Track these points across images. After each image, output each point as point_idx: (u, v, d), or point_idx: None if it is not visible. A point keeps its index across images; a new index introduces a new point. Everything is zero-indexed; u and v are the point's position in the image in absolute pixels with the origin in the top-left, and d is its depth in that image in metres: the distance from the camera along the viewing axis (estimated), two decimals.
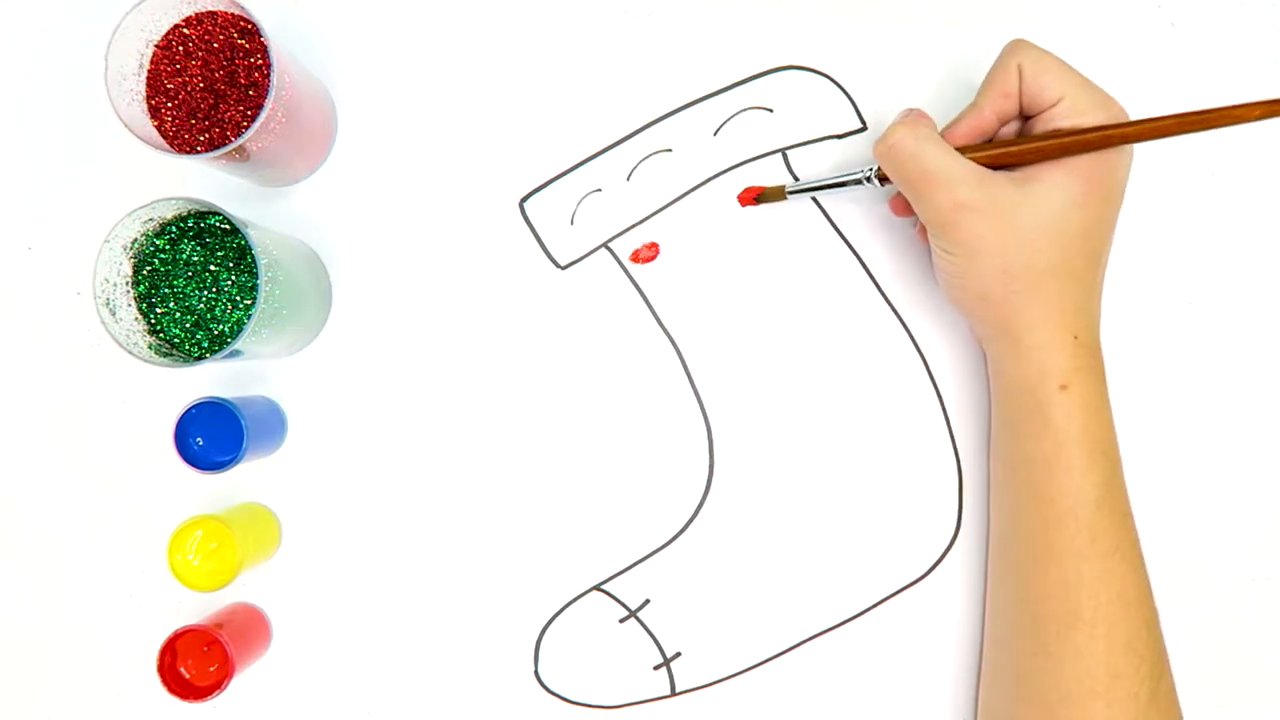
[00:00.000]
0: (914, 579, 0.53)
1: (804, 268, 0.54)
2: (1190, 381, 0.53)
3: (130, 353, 0.45)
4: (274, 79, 0.45)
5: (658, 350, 0.54)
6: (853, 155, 0.54)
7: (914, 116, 0.48)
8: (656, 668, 0.53)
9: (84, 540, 0.55)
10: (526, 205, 0.54)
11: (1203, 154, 0.54)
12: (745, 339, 0.54)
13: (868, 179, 0.50)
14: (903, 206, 0.52)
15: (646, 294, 0.54)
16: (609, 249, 0.54)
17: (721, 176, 0.54)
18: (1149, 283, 0.53)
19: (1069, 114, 0.45)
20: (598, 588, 0.54)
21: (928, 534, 0.53)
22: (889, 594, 0.53)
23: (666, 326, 0.54)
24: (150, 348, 0.47)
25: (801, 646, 0.53)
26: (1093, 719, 0.44)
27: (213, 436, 0.50)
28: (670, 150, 0.54)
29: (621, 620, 0.54)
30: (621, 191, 0.54)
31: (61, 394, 0.55)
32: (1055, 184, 0.45)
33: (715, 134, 0.54)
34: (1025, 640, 0.47)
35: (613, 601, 0.54)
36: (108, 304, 0.46)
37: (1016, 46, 0.47)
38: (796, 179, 0.54)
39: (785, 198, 0.53)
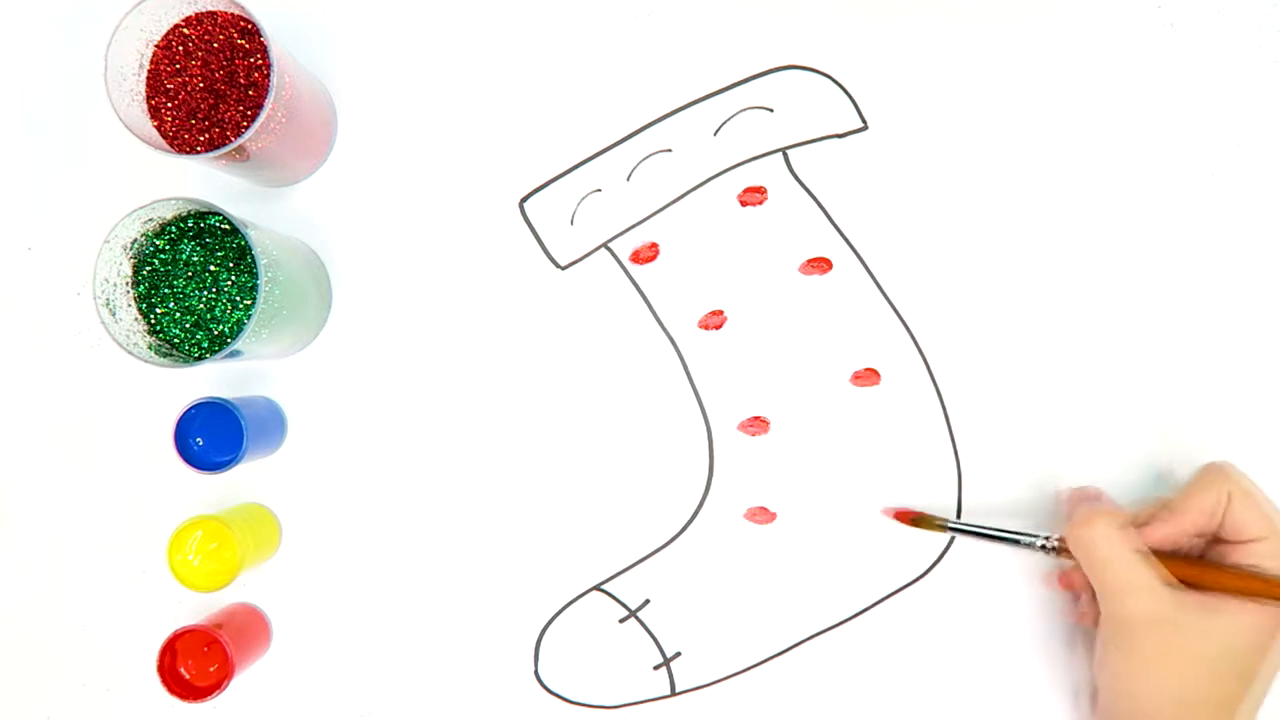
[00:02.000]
0: (913, 578, 0.53)
1: (804, 267, 0.54)
2: (1191, 382, 0.53)
3: (130, 353, 0.45)
4: (274, 79, 0.45)
5: (658, 350, 0.54)
6: (855, 156, 0.54)
7: (1110, 511, 0.47)
8: (656, 668, 0.53)
9: (84, 540, 0.55)
10: (526, 205, 0.54)
11: (1203, 154, 0.54)
12: (745, 339, 0.54)
13: (1044, 547, 0.49)
14: (1076, 583, 0.51)
15: (646, 294, 0.54)
16: (609, 249, 0.54)
17: (721, 176, 0.54)
18: (1149, 282, 0.53)
19: (1269, 555, 0.45)
20: (598, 588, 0.54)
21: (927, 533, 0.53)
22: (888, 593, 0.53)
23: (666, 326, 0.54)
24: (150, 348, 0.47)
25: (801, 646, 0.53)
26: None
27: (213, 436, 0.50)
28: (670, 150, 0.54)
29: (621, 620, 0.54)
30: (621, 191, 0.54)
31: (61, 394, 0.55)
32: (1248, 623, 0.44)
33: (715, 134, 0.54)
34: None
35: (613, 601, 0.54)
36: (108, 304, 0.46)
37: (1227, 472, 0.47)
38: (807, 190, 0.54)
39: (944, 530, 0.51)
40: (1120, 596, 0.45)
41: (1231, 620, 0.44)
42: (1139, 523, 0.48)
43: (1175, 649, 0.44)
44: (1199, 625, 0.44)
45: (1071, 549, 0.47)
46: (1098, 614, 0.47)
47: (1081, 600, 0.51)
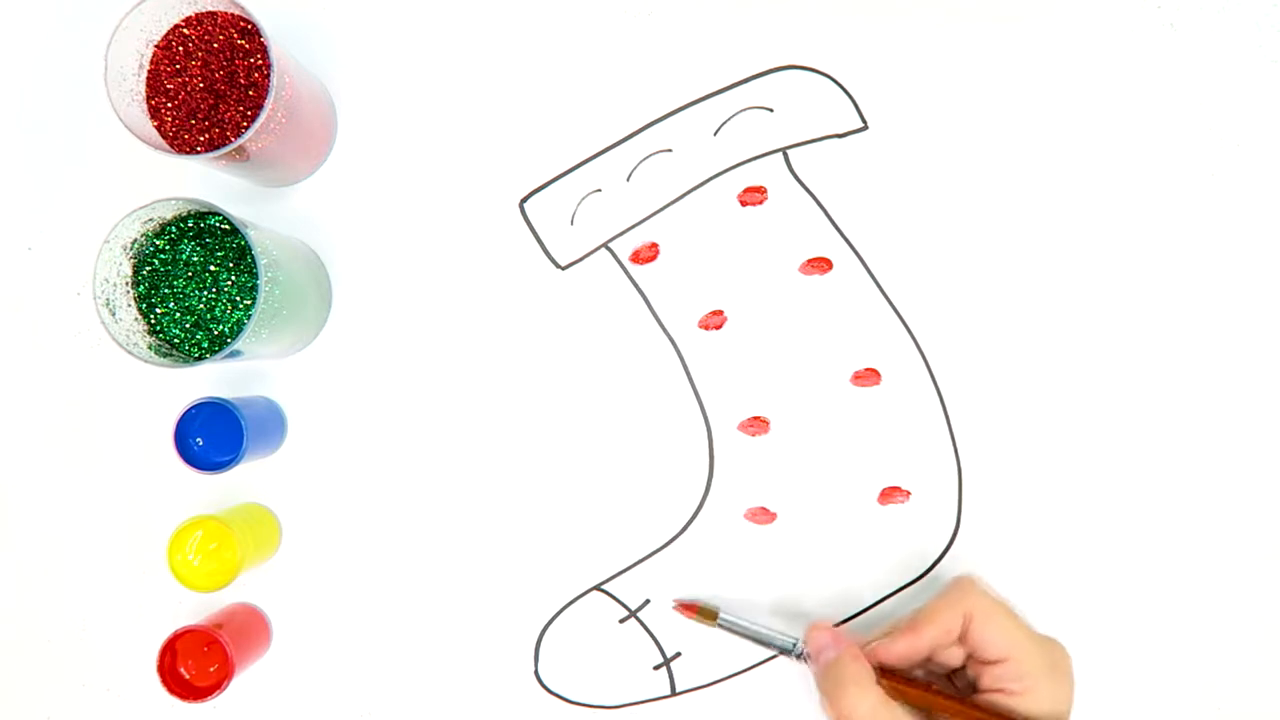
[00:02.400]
0: (913, 579, 0.53)
1: (804, 267, 0.54)
2: (1191, 381, 0.53)
3: (130, 353, 0.45)
4: (274, 79, 0.45)
5: (658, 350, 0.54)
6: (855, 156, 0.54)
7: (852, 653, 0.47)
8: (656, 668, 0.53)
9: (84, 540, 0.55)
10: (526, 205, 0.54)
11: (1203, 154, 0.54)
12: (745, 339, 0.54)
13: (794, 654, 0.50)
14: None
15: (646, 294, 0.54)
16: (609, 249, 0.54)
17: (721, 176, 0.54)
18: (1149, 282, 0.53)
19: (1012, 678, 0.44)
20: (598, 588, 0.54)
21: (927, 534, 0.53)
22: (888, 594, 0.53)
23: (666, 326, 0.54)
24: (150, 348, 0.47)
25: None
26: None
27: (213, 437, 0.50)
28: (670, 150, 0.54)
29: (621, 620, 0.54)
30: (621, 191, 0.54)
31: (61, 394, 0.55)
32: None
33: (715, 134, 0.54)
34: None
35: (613, 601, 0.54)
36: (108, 304, 0.46)
37: (967, 590, 0.46)
38: (808, 190, 0.54)
39: (716, 623, 0.51)
40: None
41: None
42: (880, 640, 0.47)
43: None
44: None
45: (812, 670, 0.48)
46: None
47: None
